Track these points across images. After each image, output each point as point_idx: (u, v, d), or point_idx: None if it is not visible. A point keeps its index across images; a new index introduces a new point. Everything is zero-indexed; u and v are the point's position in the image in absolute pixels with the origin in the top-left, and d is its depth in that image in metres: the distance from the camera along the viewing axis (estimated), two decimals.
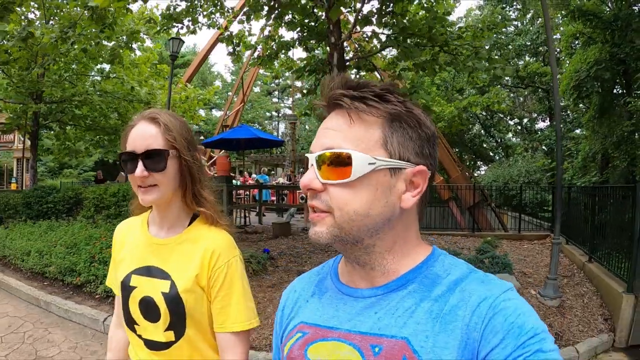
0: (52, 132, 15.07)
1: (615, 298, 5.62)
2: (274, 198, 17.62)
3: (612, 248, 6.33)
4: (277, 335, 1.03)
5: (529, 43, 20.72)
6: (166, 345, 1.37)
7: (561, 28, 15.23)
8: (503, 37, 21.50)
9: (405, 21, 7.45)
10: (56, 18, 11.41)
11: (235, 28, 11.63)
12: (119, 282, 1.42)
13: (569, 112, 20.29)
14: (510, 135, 27.93)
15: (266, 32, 9.57)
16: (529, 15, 19.82)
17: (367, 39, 8.79)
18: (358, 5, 7.88)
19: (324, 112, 0.86)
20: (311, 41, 8.46)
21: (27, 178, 16.51)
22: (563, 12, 13.82)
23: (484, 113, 20.23)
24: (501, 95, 16.42)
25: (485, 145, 26.98)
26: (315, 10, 7.53)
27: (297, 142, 25.57)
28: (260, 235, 10.61)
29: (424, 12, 8.36)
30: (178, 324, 1.36)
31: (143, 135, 1.33)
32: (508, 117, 26.29)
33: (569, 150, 17.45)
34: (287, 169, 21.83)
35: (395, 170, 0.80)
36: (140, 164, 1.29)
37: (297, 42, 8.63)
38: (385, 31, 8.41)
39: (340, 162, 0.78)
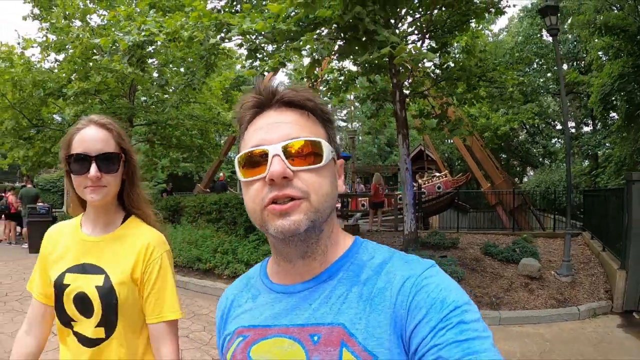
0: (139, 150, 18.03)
1: (613, 274, 7.69)
2: (338, 205, 20.16)
3: (616, 238, 8.36)
4: (219, 346, 1.07)
5: (567, 52, 22.18)
6: (96, 342, 1.49)
7: (595, 40, 16.59)
8: (544, 46, 23.09)
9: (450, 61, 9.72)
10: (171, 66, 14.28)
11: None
12: (52, 281, 1.54)
13: (597, 122, 21.68)
14: (553, 141, 29.30)
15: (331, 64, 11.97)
16: (566, 25, 21.04)
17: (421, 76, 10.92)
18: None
19: (251, 112, 0.93)
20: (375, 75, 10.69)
21: None
22: (590, 29, 15.44)
23: (525, 123, 21.76)
24: (532, 110, 17.72)
25: (533, 151, 28.58)
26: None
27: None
28: None
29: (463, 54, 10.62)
30: (109, 319, 1.49)
31: (95, 138, 1.49)
32: (554, 123, 27.85)
33: (604, 155, 19.00)
34: (348, 178, 24.01)
35: (334, 160, 0.93)
36: (94, 166, 1.45)
37: (362, 74, 10.86)
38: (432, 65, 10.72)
39: (310, 150, 0.86)
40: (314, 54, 7.36)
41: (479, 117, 14.82)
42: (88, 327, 1.48)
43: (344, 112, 45.14)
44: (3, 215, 15.65)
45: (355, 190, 19.94)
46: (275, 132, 0.87)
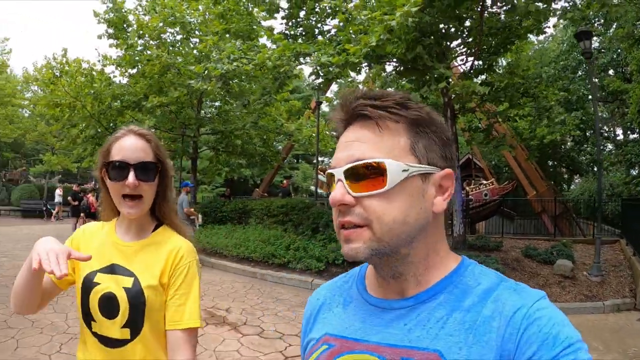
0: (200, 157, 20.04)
1: (638, 276, 9.03)
2: None
3: None
4: (302, 346, 1.07)
5: (611, 60, 22.78)
6: (121, 343, 1.55)
7: (635, 51, 17.21)
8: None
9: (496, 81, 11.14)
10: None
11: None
12: (80, 278, 1.62)
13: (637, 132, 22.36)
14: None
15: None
16: (610, 31, 21.42)
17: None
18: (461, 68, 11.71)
19: (341, 126, 0.90)
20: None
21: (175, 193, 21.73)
22: (629, 41, 16.38)
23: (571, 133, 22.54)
24: (574, 121, 18.58)
25: (579, 159, 29.32)
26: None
27: None
28: None
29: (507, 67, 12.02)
30: (136, 321, 1.55)
31: (135, 147, 1.57)
32: (601, 131, 28.55)
33: None
34: None
35: (425, 176, 0.85)
36: (132, 174, 1.53)
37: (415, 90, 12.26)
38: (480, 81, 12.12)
39: (373, 172, 0.82)
40: (385, 89, 8.94)
41: (525, 128, 15.92)
42: (112, 327, 1.54)
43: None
44: (83, 214, 17.78)
45: None
46: (343, 153, 0.86)
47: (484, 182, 22.53)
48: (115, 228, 1.71)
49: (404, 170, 0.82)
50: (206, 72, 9.88)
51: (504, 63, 14.38)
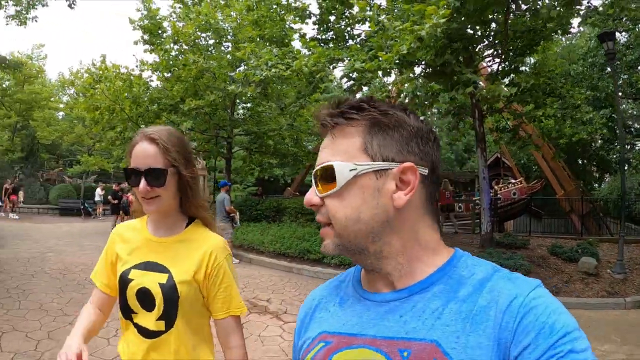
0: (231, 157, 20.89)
1: None
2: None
3: None
4: (296, 348, 1.09)
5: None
6: (156, 334, 1.68)
7: None
8: (617, 50, 23.76)
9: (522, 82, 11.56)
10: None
11: None
12: (117, 275, 1.76)
13: None
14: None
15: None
16: (638, 27, 21.28)
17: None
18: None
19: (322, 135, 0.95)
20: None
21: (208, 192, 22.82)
22: None
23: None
24: (600, 120, 18.73)
25: (607, 158, 29.28)
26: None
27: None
28: None
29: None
30: (170, 314, 1.67)
31: (144, 154, 1.65)
32: (631, 129, 28.41)
33: None
34: None
35: (380, 172, 0.87)
36: (143, 180, 1.63)
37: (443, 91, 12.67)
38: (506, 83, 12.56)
39: (328, 175, 0.88)
40: (415, 92, 9.49)
41: (553, 127, 16.15)
42: (149, 319, 1.67)
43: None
44: (122, 212, 18.64)
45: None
46: (318, 158, 0.93)
47: (513, 181, 22.84)
48: (146, 225, 1.83)
49: (351, 170, 0.87)
50: (245, 77, 10.51)
51: (532, 62, 14.75)
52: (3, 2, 12.05)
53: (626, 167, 30.14)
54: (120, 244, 1.83)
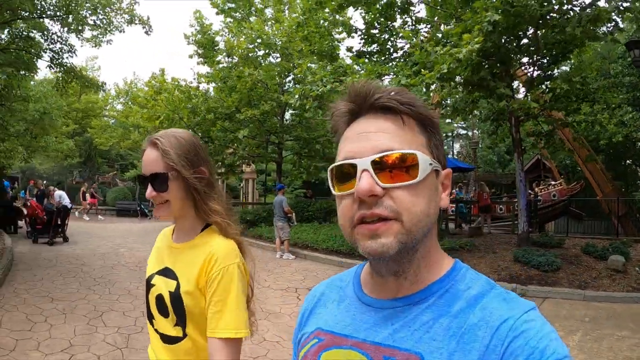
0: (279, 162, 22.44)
1: None
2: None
3: None
4: (295, 339, 1.11)
5: None
6: (176, 340, 1.65)
7: None
8: None
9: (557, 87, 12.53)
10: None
11: None
12: (145, 279, 1.78)
13: None
14: None
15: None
16: None
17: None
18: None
19: (346, 119, 0.92)
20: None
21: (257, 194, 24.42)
22: None
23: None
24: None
25: None
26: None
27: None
28: (461, 236, 16.13)
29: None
30: (181, 322, 1.64)
31: (147, 160, 1.67)
32: None
33: None
34: (471, 187, 26.44)
35: (437, 172, 0.89)
36: (149, 186, 1.64)
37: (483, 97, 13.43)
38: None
39: (403, 163, 0.82)
40: (455, 105, 10.67)
41: (584, 130, 16.66)
42: (168, 325, 1.66)
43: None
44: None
45: (473, 197, 22.56)
46: (366, 143, 0.84)
47: (552, 182, 23.45)
48: (173, 230, 1.84)
49: (429, 164, 0.85)
50: (303, 92, 11.85)
51: (569, 66, 15.60)
52: (79, 27, 13.55)
53: None
54: (154, 248, 1.90)
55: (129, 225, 22.53)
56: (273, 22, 19.43)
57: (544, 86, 13.15)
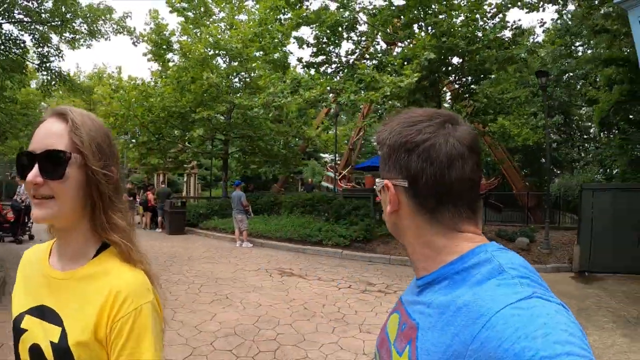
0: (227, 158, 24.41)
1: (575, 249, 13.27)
2: None
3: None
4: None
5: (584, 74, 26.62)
6: None
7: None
8: (573, 63, 27.28)
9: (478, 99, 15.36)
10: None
11: None
12: (12, 318, 1.25)
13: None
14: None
15: None
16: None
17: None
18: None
19: None
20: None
21: (199, 188, 26.29)
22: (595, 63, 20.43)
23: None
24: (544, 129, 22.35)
25: (559, 158, 33.32)
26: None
27: None
28: None
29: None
30: None
31: (45, 132, 1.18)
32: (580, 133, 32.72)
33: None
34: None
35: (382, 189, 1.08)
36: (35, 168, 1.13)
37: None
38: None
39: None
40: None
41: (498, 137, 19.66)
42: None
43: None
44: (141, 209, 22.00)
45: None
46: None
47: None
48: (50, 251, 1.32)
49: (378, 183, 1.09)
50: (266, 103, 14.00)
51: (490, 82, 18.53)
52: (72, 35, 14.81)
53: (577, 166, 34.77)
54: (21, 274, 1.35)
55: None
56: (227, 26, 21.22)
57: (466, 102, 15.81)
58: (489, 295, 0.80)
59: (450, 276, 0.93)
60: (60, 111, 1.21)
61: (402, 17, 13.87)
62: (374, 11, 14.84)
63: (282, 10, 16.22)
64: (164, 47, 21.43)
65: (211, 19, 21.88)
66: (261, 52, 18.61)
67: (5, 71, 11.41)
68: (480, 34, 12.84)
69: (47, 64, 15.04)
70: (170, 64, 21.45)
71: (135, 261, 1.26)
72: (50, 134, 1.17)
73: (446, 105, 17.42)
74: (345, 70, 15.18)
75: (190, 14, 21.75)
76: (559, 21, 22.66)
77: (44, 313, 1.20)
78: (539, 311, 0.74)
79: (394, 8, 13.90)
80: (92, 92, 19.72)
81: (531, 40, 19.24)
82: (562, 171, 35.66)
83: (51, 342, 1.15)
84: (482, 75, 14.88)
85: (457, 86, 15.55)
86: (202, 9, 21.66)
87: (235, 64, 20.50)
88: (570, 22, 21.45)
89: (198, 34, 20.35)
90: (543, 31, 15.94)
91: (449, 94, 16.48)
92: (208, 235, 18.62)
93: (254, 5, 21.51)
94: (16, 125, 20.75)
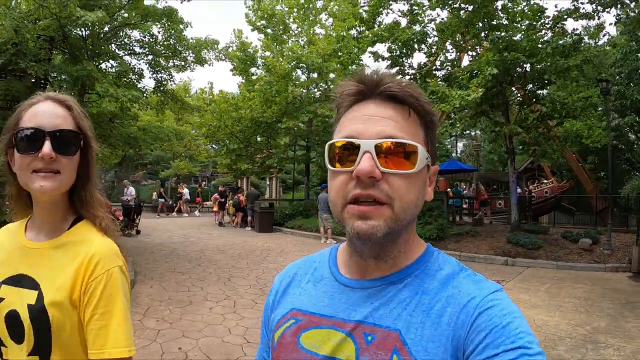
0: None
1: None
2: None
3: None
4: (267, 318, 1.14)
5: None
6: None
7: None
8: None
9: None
10: None
11: None
12: None
13: None
14: None
15: None
16: None
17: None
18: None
19: (352, 99, 0.95)
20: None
21: (281, 191, 28.19)
22: None
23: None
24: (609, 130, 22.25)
25: (632, 160, 32.74)
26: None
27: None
28: (464, 225, 19.73)
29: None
30: (43, 348, 1.27)
31: (51, 113, 1.31)
32: None
33: None
34: (473, 185, 29.26)
35: (428, 167, 0.95)
36: (47, 142, 1.26)
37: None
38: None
39: (404, 152, 0.87)
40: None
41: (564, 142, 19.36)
42: (20, 354, 1.27)
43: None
44: (233, 208, 24.12)
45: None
46: (371, 126, 0.88)
47: (545, 181, 26.75)
48: (25, 227, 1.43)
49: (426, 158, 0.92)
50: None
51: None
52: (183, 64, 17.04)
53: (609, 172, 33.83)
54: None
55: (173, 220, 25.89)
56: (306, 42, 22.77)
57: (533, 107, 16.86)
58: (471, 286, 0.90)
59: (415, 273, 0.96)
60: (60, 98, 1.36)
61: (467, 28, 15.16)
62: (442, 27, 16.16)
63: (358, 28, 18.00)
64: (248, 62, 23.44)
65: (288, 33, 23.60)
66: (339, 65, 20.14)
67: (129, 100, 13.34)
68: (540, 46, 14.05)
69: (162, 87, 17.25)
70: (254, 77, 23.31)
71: (111, 233, 1.44)
72: (56, 116, 1.31)
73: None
74: (419, 82, 16.62)
75: (269, 30, 23.43)
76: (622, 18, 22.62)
77: (21, 281, 1.30)
78: (509, 300, 0.88)
79: (459, 19, 15.11)
80: (201, 111, 21.78)
81: (601, 36, 19.53)
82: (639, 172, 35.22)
83: (28, 305, 1.25)
84: (546, 81, 15.93)
85: (523, 92, 16.57)
86: (281, 27, 23.28)
87: (315, 75, 22.06)
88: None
89: (279, 49, 22.15)
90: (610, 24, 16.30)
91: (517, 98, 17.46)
92: (294, 234, 20.39)
93: (327, 18, 23.29)
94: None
